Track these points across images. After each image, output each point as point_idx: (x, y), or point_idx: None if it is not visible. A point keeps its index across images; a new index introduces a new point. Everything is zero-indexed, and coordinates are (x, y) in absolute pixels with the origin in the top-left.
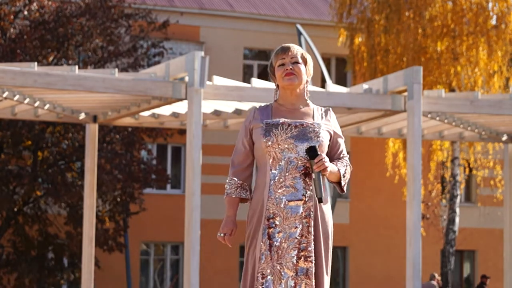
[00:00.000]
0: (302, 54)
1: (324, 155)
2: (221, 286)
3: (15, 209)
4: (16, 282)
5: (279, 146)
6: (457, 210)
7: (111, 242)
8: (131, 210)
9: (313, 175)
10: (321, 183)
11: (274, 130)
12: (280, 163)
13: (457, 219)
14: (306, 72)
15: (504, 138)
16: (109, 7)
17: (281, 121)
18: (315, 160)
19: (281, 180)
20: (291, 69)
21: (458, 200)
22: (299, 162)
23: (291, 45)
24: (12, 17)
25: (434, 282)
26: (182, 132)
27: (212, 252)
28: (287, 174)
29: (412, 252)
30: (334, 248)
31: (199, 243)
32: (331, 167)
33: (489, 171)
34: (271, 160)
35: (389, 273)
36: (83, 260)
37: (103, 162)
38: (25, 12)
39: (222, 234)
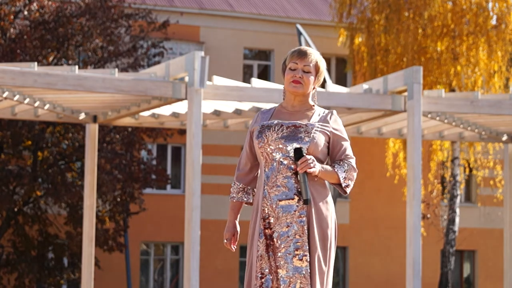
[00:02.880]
0: (316, 63)
1: (310, 156)
2: (221, 286)
3: (15, 209)
4: (16, 282)
5: (270, 146)
6: (457, 210)
7: (111, 242)
8: (131, 210)
9: (298, 177)
10: (306, 185)
11: (266, 132)
12: (272, 164)
13: (457, 219)
14: (315, 81)
15: (504, 138)
16: (109, 7)
17: (275, 122)
18: (299, 162)
19: (273, 180)
20: (299, 77)
21: (458, 200)
22: (290, 162)
23: (309, 51)
24: (12, 17)
25: None
26: (182, 132)
27: (212, 252)
28: (278, 174)
29: (412, 252)
30: None
31: (199, 243)
32: (319, 168)
33: (489, 171)
34: (264, 161)
35: (389, 273)
36: (83, 260)
37: (103, 162)
38: (25, 12)
39: (225, 240)
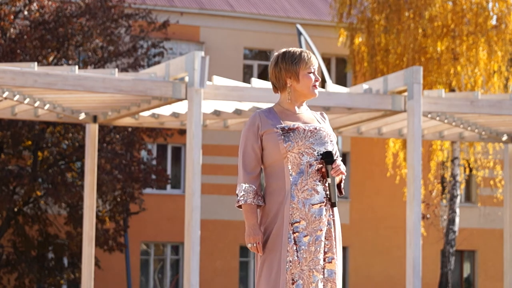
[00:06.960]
0: None
1: (339, 160)
2: (221, 286)
3: (15, 209)
4: (16, 282)
5: (299, 150)
6: (457, 210)
7: (111, 242)
8: (131, 210)
9: (329, 180)
10: (335, 188)
11: (292, 135)
12: (300, 167)
13: (457, 219)
14: None
15: (504, 138)
16: (109, 7)
17: (296, 126)
18: (333, 165)
19: (303, 184)
20: (319, 82)
21: (458, 200)
22: (318, 166)
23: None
24: (12, 17)
25: None
26: (182, 132)
27: (212, 252)
28: (308, 178)
29: (412, 252)
30: None
31: (199, 243)
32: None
33: (489, 171)
34: (290, 165)
35: (389, 273)
36: (83, 260)
37: (103, 162)
38: (25, 12)
39: (254, 244)
